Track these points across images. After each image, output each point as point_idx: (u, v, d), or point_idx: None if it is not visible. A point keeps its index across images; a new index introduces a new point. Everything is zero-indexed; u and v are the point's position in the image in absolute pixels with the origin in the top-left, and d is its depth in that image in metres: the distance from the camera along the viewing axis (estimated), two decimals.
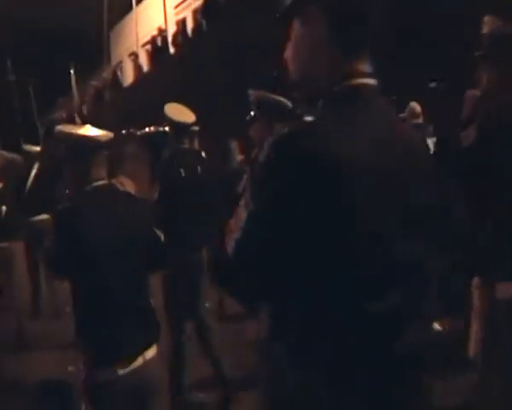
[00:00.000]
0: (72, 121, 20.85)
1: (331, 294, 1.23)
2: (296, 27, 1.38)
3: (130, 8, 23.09)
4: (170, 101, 12.02)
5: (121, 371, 2.43)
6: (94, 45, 26.53)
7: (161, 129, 3.56)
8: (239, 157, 7.94)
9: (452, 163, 2.59)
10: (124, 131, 2.33)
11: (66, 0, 24.95)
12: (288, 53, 1.40)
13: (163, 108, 6.20)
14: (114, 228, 2.48)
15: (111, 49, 25.60)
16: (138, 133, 2.05)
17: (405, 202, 1.30)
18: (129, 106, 14.23)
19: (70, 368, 3.84)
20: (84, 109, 19.68)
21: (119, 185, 2.74)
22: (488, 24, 2.46)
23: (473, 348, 2.66)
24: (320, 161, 1.18)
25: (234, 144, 8.29)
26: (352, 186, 1.19)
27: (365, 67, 1.35)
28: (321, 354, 1.25)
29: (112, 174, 2.81)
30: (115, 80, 17.26)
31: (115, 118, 14.60)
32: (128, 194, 2.73)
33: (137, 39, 21.63)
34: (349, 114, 1.29)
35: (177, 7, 21.16)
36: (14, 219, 4.38)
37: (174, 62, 13.13)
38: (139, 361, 2.48)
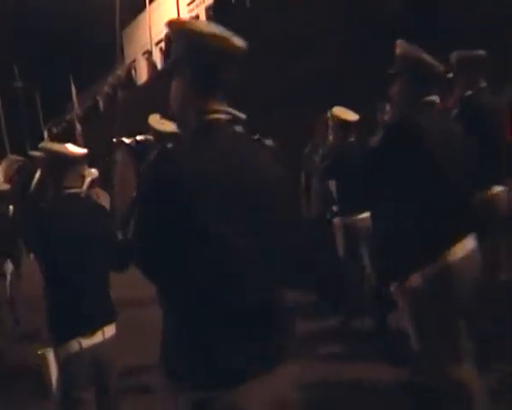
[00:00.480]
0: (73, 127, 20.94)
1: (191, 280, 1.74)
2: (174, 78, 1.99)
3: (143, 6, 23.20)
4: None
5: (84, 344, 2.99)
6: (105, 46, 26.75)
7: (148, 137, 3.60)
8: None
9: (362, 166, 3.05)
10: (114, 140, 2.53)
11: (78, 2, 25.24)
12: (170, 95, 1.99)
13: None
14: (79, 228, 3.07)
15: (124, 49, 25.75)
16: (127, 142, 2.27)
17: (247, 210, 1.77)
18: (143, 104, 14.32)
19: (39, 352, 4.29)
20: (101, 106, 19.85)
21: (90, 194, 3.44)
22: (400, 46, 2.96)
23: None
24: (174, 178, 1.71)
25: None
26: (199, 198, 1.69)
27: (218, 105, 1.90)
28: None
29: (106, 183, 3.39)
30: (129, 78, 17.36)
31: (129, 116, 14.71)
32: (95, 202, 3.44)
33: (151, 37, 21.72)
34: (201, 142, 1.82)
35: (189, 4, 21.24)
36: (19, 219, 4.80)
37: None
38: (99, 336, 3.05)
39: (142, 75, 19.91)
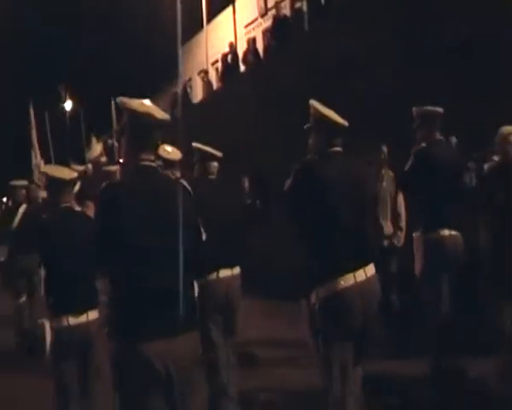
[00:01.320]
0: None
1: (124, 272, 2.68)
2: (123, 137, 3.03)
3: (200, 26, 23.70)
4: (239, 116, 12.16)
5: (71, 321, 3.89)
6: (158, 64, 27.33)
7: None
8: None
9: None
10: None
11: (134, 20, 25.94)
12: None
13: (232, 123, 7.32)
14: (70, 235, 3.99)
15: (180, 67, 26.28)
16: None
17: (162, 227, 2.66)
18: (198, 122, 14.58)
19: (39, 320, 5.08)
20: None
21: (79, 208, 4.43)
22: (312, 107, 3.83)
23: None
24: (113, 202, 2.69)
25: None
26: (128, 216, 2.65)
27: (147, 156, 2.85)
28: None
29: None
30: (185, 96, 17.70)
31: (185, 133, 15.01)
32: (83, 213, 4.34)
33: (207, 57, 22.15)
34: (135, 180, 2.85)
35: (247, 26, 21.57)
36: None
37: (244, 80, 13.39)
38: (83, 317, 3.93)
39: (198, 94, 20.28)
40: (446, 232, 4.76)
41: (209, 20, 23.55)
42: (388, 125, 7.43)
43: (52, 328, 4.05)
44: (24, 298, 7.35)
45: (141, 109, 2.90)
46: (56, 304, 4.00)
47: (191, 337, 2.74)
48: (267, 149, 10.66)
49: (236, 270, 4.53)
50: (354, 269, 3.28)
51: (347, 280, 3.24)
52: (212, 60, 22.57)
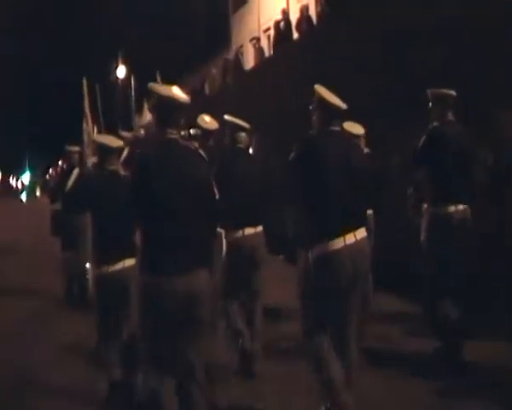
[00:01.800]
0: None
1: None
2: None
3: None
4: (291, 85, 12.12)
5: (110, 269, 4.56)
6: (212, 30, 27.30)
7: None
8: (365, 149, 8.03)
9: None
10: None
11: None
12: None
13: (285, 92, 7.75)
14: (114, 196, 4.54)
15: (232, 34, 26.23)
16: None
17: (181, 187, 3.37)
18: (250, 89, 14.59)
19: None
20: (206, 89, 20.34)
21: (125, 172, 4.78)
22: (316, 91, 4.28)
23: None
24: (145, 167, 3.40)
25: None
26: (157, 181, 3.34)
27: (172, 131, 3.46)
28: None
29: None
30: (238, 63, 17.70)
31: (237, 100, 15.06)
32: (126, 177, 4.57)
33: (259, 24, 22.02)
34: (161, 150, 3.49)
35: None
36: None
37: (297, 48, 13.29)
38: (120, 264, 4.57)
39: (249, 61, 20.23)
40: (453, 208, 5.11)
41: None
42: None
43: (96, 275, 4.74)
44: (71, 252, 8.23)
45: (164, 93, 3.53)
46: (101, 254, 4.66)
47: (202, 274, 3.45)
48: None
49: (259, 228, 5.16)
50: (344, 233, 3.75)
51: (337, 243, 3.73)
52: (264, 27, 22.44)
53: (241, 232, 5.05)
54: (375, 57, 9.14)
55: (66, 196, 7.95)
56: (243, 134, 5.47)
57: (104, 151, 4.86)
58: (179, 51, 34.22)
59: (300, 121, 10.96)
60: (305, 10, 14.26)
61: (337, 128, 4.11)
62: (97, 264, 4.69)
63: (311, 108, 4.27)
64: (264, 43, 20.66)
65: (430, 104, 5.44)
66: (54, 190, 10.45)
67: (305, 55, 11.85)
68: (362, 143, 6.28)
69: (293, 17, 15.34)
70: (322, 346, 3.84)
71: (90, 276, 5.41)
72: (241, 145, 5.47)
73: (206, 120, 5.89)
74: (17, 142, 69.58)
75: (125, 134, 7.83)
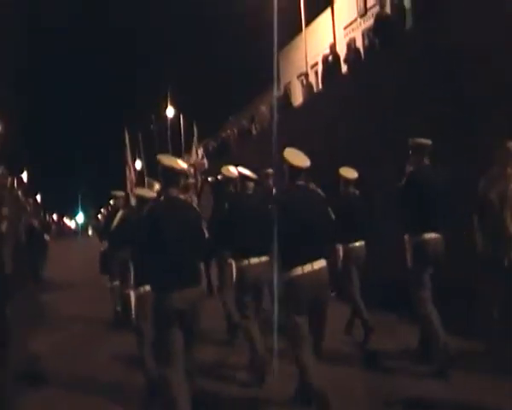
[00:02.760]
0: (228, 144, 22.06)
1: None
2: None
3: (299, 29, 23.66)
4: (340, 119, 11.97)
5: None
6: (260, 68, 27.52)
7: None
8: None
9: None
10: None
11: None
12: None
13: (332, 127, 8.40)
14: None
15: (279, 70, 26.39)
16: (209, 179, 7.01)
17: (182, 231, 4.72)
18: (298, 125, 14.49)
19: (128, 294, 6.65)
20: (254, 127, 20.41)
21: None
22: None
23: None
24: (155, 218, 4.77)
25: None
26: (165, 227, 4.68)
27: (173, 190, 4.84)
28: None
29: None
30: (286, 99, 17.67)
31: (285, 136, 14.95)
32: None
33: (306, 60, 22.06)
34: (166, 204, 4.85)
35: (346, 27, 21.31)
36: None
37: (346, 82, 13.15)
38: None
39: (297, 97, 20.22)
40: (428, 236, 6.05)
41: (307, 23, 23.45)
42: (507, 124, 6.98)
43: (144, 300, 5.65)
44: (117, 282, 9.03)
45: (167, 163, 4.83)
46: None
47: (198, 289, 4.85)
48: (370, 152, 10.38)
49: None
50: (304, 263, 4.82)
51: (297, 271, 4.81)
52: (311, 63, 22.46)
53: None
54: (423, 88, 8.94)
55: (111, 235, 8.80)
56: (251, 184, 6.55)
57: (140, 201, 6.25)
58: (227, 90, 34.67)
59: (352, 154, 10.83)
60: (352, 43, 14.15)
61: (301, 183, 5.11)
62: (157, 290, 4.91)
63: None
64: (311, 78, 20.65)
65: (410, 151, 6.37)
66: (101, 230, 12.00)
67: (354, 88, 11.70)
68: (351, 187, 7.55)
69: (340, 52, 15.28)
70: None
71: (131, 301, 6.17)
72: (249, 191, 6.52)
73: (230, 170, 7.10)
74: (72, 184, 73.62)
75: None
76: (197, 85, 37.29)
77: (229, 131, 25.02)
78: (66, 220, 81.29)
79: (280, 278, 5.13)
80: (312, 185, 5.29)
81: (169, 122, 38.91)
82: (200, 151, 32.72)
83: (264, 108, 19.60)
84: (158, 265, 4.68)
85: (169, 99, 37.72)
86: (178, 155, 40.51)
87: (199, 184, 11.88)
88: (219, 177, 8.28)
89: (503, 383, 5.37)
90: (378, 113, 10.28)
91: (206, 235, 4.97)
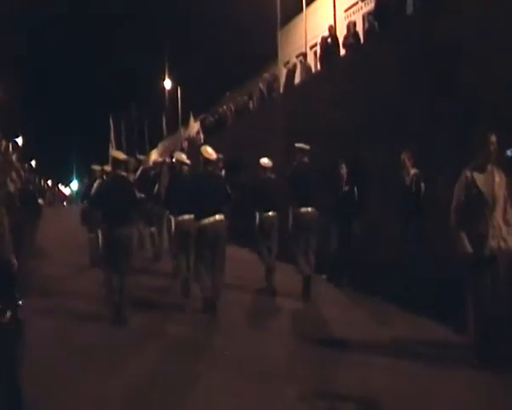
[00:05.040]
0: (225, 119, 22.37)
1: None
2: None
3: (299, 9, 23.63)
4: (337, 101, 12.16)
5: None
6: (261, 46, 27.51)
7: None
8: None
9: None
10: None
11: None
12: None
13: (330, 108, 10.43)
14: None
15: (279, 50, 26.39)
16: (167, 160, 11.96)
17: (122, 193, 7.95)
18: (296, 105, 14.65)
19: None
20: (251, 104, 20.47)
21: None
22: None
23: None
24: (105, 186, 8.60)
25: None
26: (110, 192, 8.01)
27: (120, 171, 8.17)
28: None
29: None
30: (288, 77, 17.77)
31: (283, 114, 15.14)
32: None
33: (306, 40, 22.08)
34: (113, 179, 8.35)
35: (347, 10, 21.33)
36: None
37: (344, 64, 13.29)
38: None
39: (296, 77, 20.31)
40: (303, 209, 8.88)
41: (308, 3, 23.43)
42: (498, 115, 7.16)
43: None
44: (154, 228, 13.55)
45: (113, 154, 8.47)
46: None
47: (221, 218, 7.86)
48: (366, 135, 10.58)
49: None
50: (209, 215, 7.82)
51: (206, 221, 7.82)
52: (310, 43, 22.51)
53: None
54: (422, 74, 9.09)
55: (91, 199, 10.29)
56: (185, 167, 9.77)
57: (114, 162, 8.24)
58: (225, 66, 34.63)
59: (346, 136, 11.03)
60: (352, 26, 14.25)
61: (210, 168, 8.22)
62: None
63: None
64: (310, 59, 20.74)
65: (295, 152, 9.16)
66: (82, 194, 14.92)
67: (351, 71, 11.86)
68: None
69: (340, 34, 15.38)
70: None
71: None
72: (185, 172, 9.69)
73: (208, 151, 8.20)
74: (67, 152, 75.20)
75: (141, 157, 14.29)
76: (195, 59, 37.20)
77: (225, 106, 25.09)
78: (61, 187, 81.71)
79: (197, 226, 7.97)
80: (217, 171, 9.43)
81: (167, 94, 38.86)
82: (197, 125, 32.92)
83: (261, 86, 19.72)
84: (106, 213, 7.91)
85: (167, 71, 37.65)
86: (175, 128, 40.66)
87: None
88: (173, 160, 11.24)
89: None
90: (373, 97, 10.45)
91: (138, 196, 8.64)
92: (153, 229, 13.52)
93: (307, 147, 9.00)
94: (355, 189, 9.66)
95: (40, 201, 22.48)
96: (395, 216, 8.76)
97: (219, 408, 4.99)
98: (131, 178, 11.00)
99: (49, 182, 73.42)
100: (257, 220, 9.67)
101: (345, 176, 9.79)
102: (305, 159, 8.99)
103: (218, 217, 7.80)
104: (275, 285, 9.36)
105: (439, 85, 8.66)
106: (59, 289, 10.33)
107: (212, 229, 7.74)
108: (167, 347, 6.77)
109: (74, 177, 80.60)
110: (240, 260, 11.43)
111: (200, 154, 8.11)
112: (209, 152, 8.13)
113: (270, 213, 9.53)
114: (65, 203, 63.30)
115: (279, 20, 21.49)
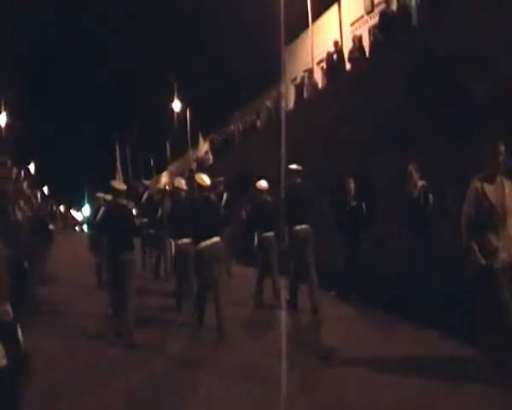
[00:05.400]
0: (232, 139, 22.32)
1: None
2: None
3: (305, 25, 23.63)
4: (344, 115, 12.01)
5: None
6: (266, 63, 27.53)
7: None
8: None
9: None
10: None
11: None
12: None
13: (337, 122, 9.85)
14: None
15: (285, 67, 26.38)
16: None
17: (123, 220, 8.26)
18: (303, 121, 14.54)
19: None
20: (259, 123, 20.46)
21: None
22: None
23: None
24: (108, 214, 8.90)
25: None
26: (113, 220, 8.38)
27: (120, 200, 8.45)
28: None
29: None
30: (297, 94, 17.72)
31: (292, 130, 15.00)
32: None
33: (313, 56, 22.03)
34: (115, 207, 8.54)
35: (353, 24, 21.27)
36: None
37: (349, 79, 13.19)
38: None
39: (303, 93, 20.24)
40: (298, 227, 9.12)
41: (314, 19, 23.42)
42: (505, 125, 7.00)
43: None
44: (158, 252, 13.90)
45: (112, 184, 8.55)
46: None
47: (217, 240, 8.19)
48: (371, 149, 10.43)
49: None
50: (206, 238, 8.12)
51: (203, 244, 8.13)
52: (317, 59, 22.45)
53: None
54: (428, 86, 8.96)
55: (95, 225, 11.23)
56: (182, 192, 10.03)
57: (114, 191, 8.55)
58: (234, 85, 34.69)
59: (353, 150, 10.89)
60: (357, 40, 14.16)
61: (206, 194, 8.57)
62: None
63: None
64: (317, 74, 20.66)
65: (289, 174, 9.20)
66: (88, 221, 16.44)
67: (356, 85, 11.74)
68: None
69: (347, 48, 15.27)
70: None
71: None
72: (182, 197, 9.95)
73: (202, 177, 8.64)
74: (79, 178, 76.09)
75: (146, 182, 15.14)
76: (204, 80, 37.31)
77: (233, 126, 25.06)
78: (73, 212, 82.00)
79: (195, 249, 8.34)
80: (213, 196, 8.98)
81: (175, 116, 38.94)
82: (206, 146, 32.90)
83: (268, 103, 19.66)
84: (109, 240, 8.26)
85: (176, 93, 37.74)
86: (185, 148, 40.76)
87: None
88: (172, 187, 11.30)
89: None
90: (380, 109, 10.33)
91: (136, 223, 8.78)
92: (156, 252, 13.91)
93: (300, 168, 9.39)
94: (363, 204, 9.49)
95: (51, 227, 22.87)
96: (402, 229, 8.59)
97: None
98: (131, 205, 11.30)
99: (61, 207, 73.93)
100: (255, 241, 10.11)
101: (352, 191, 9.64)
102: (298, 179, 9.36)
103: (214, 239, 8.17)
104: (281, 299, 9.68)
105: (444, 96, 8.52)
106: (67, 311, 10.91)
107: (209, 251, 8.12)
108: (170, 360, 7.11)
109: (86, 202, 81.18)
110: (247, 277, 11.52)
111: (195, 181, 8.65)
112: (203, 179, 8.55)
113: (268, 234, 9.91)
114: (77, 228, 63.66)
115: (283, 37, 21.44)
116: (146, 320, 8.95)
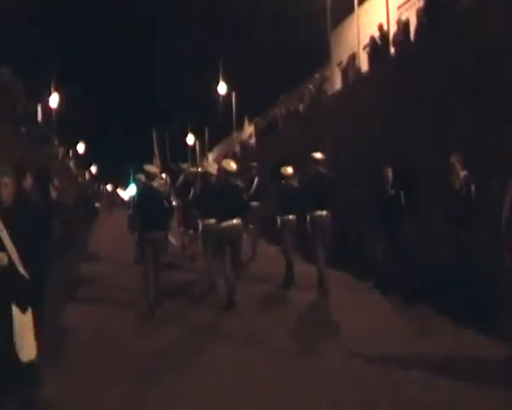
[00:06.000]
0: (276, 122, 22.26)
1: None
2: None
3: (351, 9, 23.29)
4: (386, 102, 11.80)
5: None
6: (312, 47, 27.30)
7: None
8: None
9: None
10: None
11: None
12: None
13: (379, 107, 9.04)
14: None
15: (331, 51, 26.11)
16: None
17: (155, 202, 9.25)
18: (345, 105, 14.42)
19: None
20: (301, 106, 20.37)
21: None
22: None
23: None
24: (143, 195, 10.21)
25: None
26: (147, 200, 9.45)
27: (152, 182, 9.49)
28: None
29: None
30: (344, 75, 17.55)
31: (331, 117, 14.91)
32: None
33: (359, 40, 21.74)
34: (149, 188, 9.57)
35: (400, 7, 20.85)
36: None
37: (392, 63, 12.97)
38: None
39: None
40: (318, 213, 9.84)
41: (360, 2, 23.05)
42: None
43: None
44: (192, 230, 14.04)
45: (145, 168, 9.66)
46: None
47: (237, 222, 9.05)
48: (414, 137, 10.27)
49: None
50: (228, 219, 9.02)
51: (224, 224, 9.04)
52: (363, 43, 22.12)
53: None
54: (472, 71, 8.73)
55: (133, 205, 11.55)
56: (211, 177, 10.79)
57: (147, 175, 9.53)
58: (280, 69, 34.58)
59: (393, 137, 10.74)
60: (401, 25, 13.88)
61: (232, 179, 9.39)
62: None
63: None
64: (363, 58, 20.37)
65: (313, 162, 10.00)
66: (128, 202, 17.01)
67: (399, 70, 11.55)
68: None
69: (393, 32, 14.98)
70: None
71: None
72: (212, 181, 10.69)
73: (230, 164, 9.57)
74: (126, 157, 77.09)
75: (184, 165, 16.11)
76: (249, 63, 37.24)
77: (276, 110, 25.01)
78: (120, 191, 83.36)
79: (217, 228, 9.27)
80: (239, 181, 9.96)
81: (221, 99, 39.06)
82: (251, 129, 32.88)
83: (311, 87, 19.52)
84: (142, 219, 9.17)
85: (221, 75, 37.79)
86: (230, 131, 40.96)
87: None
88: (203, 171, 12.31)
89: None
90: (423, 95, 10.14)
91: (166, 205, 9.34)
92: (191, 231, 14.50)
93: (322, 157, 10.01)
94: (401, 192, 9.35)
95: (97, 204, 24.24)
96: (444, 221, 8.45)
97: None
98: (163, 189, 11.81)
99: (109, 186, 75.11)
100: (278, 223, 10.90)
101: (390, 179, 9.51)
102: (320, 167, 9.99)
103: (235, 221, 9.05)
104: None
105: (492, 84, 8.27)
106: (104, 283, 12.32)
107: (229, 231, 9.02)
108: (188, 328, 8.15)
109: (131, 182, 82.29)
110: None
111: (222, 166, 9.58)
112: (230, 164, 9.49)
113: (290, 217, 10.75)
114: (122, 207, 65.07)
115: (329, 21, 21.22)
116: (173, 294, 10.27)
